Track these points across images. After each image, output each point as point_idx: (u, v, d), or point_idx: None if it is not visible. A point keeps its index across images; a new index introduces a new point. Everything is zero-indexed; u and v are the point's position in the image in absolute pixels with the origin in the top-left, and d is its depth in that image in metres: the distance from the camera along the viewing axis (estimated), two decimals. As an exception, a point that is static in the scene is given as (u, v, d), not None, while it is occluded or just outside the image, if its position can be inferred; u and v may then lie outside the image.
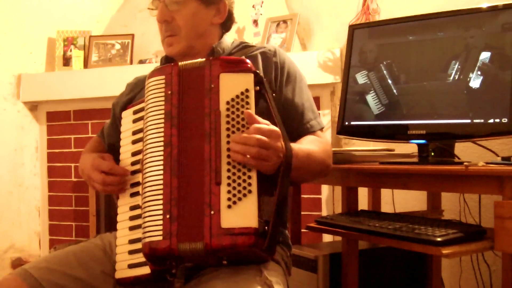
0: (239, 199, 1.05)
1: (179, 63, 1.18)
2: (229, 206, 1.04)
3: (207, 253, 1.04)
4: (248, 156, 1.05)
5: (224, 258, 1.08)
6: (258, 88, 1.13)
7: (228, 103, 1.10)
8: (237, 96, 1.11)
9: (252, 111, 1.10)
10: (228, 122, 1.09)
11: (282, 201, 1.10)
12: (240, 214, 1.04)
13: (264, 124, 1.09)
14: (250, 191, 1.05)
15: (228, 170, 1.06)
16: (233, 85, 1.12)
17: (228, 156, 1.07)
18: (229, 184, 1.05)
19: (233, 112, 1.10)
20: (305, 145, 1.29)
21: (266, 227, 1.05)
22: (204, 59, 1.17)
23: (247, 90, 1.11)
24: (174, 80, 1.16)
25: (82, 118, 3.20)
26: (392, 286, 1.78)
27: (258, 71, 1.15)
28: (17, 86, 3.18)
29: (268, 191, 1.09)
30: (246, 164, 1.06)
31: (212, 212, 1.04)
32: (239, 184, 1.05)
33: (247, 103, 1.10)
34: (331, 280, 1.65)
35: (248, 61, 1.15)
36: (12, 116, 3.18)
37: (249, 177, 1.06)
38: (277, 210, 1.07)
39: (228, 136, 1.08)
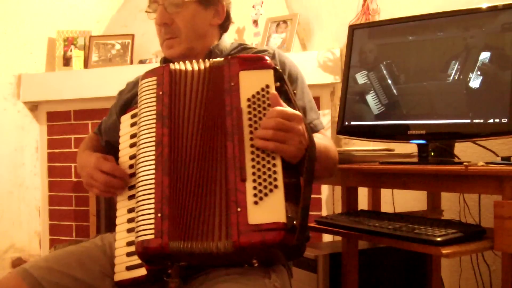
0: (266, 194, 1.03)
1: (170, 64, 1.19)
2: (255, 202, 1.03)
3: (236, 251, 1.02)
4: (267, 139, 1.05)
5: (254, 257, 1.08)
6: (278, 84, 1.13)
7: (249, 99, 1.11)
8: (258, 93, 1.11)
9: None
10: (250, 119, 1.09)
11: (309, 196, 1.09)
12: (268, 209, 1.03)
13: (288, 108, 1.09)
14: (276, 186, 1.04)
15: (253, 167, 1.06)
16: (253, 82, 1.12)
17: (252, 153, 1.06)
18: (254, 180, 1.04)
19: (254, 109, 1.10)
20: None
21: (294, 222, 1.03)
22: (222, 59, 1.17)
23: (267, 86, 1.11)
24: (166, 81, 1.17)
25: (82, 118, 3.20)
26: (392, 286, 1.78)
27: (277, 67, 1.15)
28: (17, 86, 3.18)
29: (294, 187, 1.09)
30: (266, 148, 1.06)
31: (239, 209, 1.03)
32: (264, 180, 1.04)
33: (269, 98, 1.10)
34: (331, 280, 1.65)
35: (267, 57, 1.15)
36: (12, 116, 3.18)
37: (275, 172, 1.05)
38: (304, 205, 1.06)
39: (251, 132, 1.08)
